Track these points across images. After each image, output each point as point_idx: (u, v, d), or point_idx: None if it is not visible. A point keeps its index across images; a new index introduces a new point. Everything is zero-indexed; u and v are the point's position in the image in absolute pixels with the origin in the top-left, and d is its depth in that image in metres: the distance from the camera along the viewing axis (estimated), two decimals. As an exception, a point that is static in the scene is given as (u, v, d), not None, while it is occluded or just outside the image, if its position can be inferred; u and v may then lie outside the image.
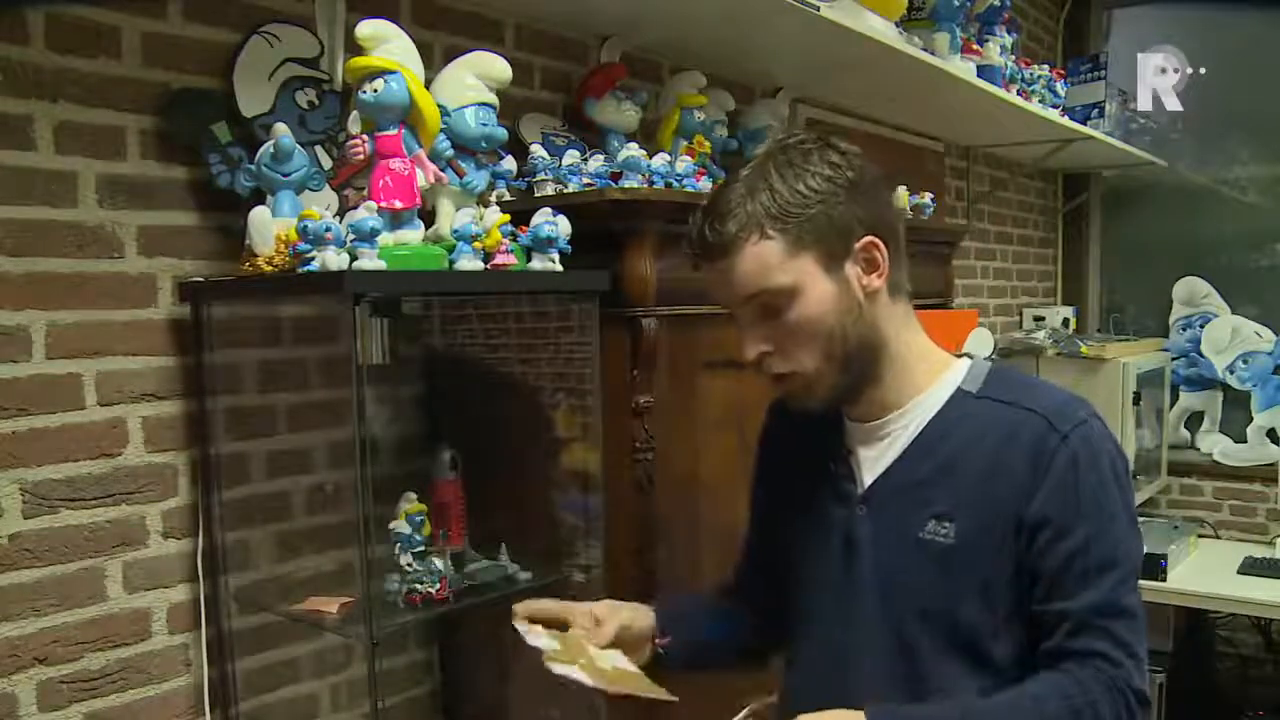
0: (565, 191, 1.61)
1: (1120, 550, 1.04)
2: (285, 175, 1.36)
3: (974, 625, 1.05)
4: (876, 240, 1.06)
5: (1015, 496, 1.03)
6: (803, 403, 1.11)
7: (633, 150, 1.61)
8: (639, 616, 1.21)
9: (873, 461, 1.13)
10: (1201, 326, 3.84)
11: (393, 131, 1.32)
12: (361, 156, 1.33)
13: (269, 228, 1.33)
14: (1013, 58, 2.82)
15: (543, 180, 1.63)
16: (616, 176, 1.62)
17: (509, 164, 1.55)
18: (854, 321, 1.06)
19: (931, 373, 1.12)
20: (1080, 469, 1.03)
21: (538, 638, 1.13)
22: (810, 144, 1.07)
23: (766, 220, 1.03)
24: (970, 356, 1.16)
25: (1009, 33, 2.80)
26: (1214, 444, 3.82)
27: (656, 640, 1.21)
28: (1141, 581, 3.40)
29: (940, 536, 1.05)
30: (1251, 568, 3.14)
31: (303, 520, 1.60)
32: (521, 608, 1.17)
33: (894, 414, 1.12)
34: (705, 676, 1.37)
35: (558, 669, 1.07)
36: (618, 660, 1.13)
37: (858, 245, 1.06)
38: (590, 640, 1.14)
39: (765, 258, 1.03)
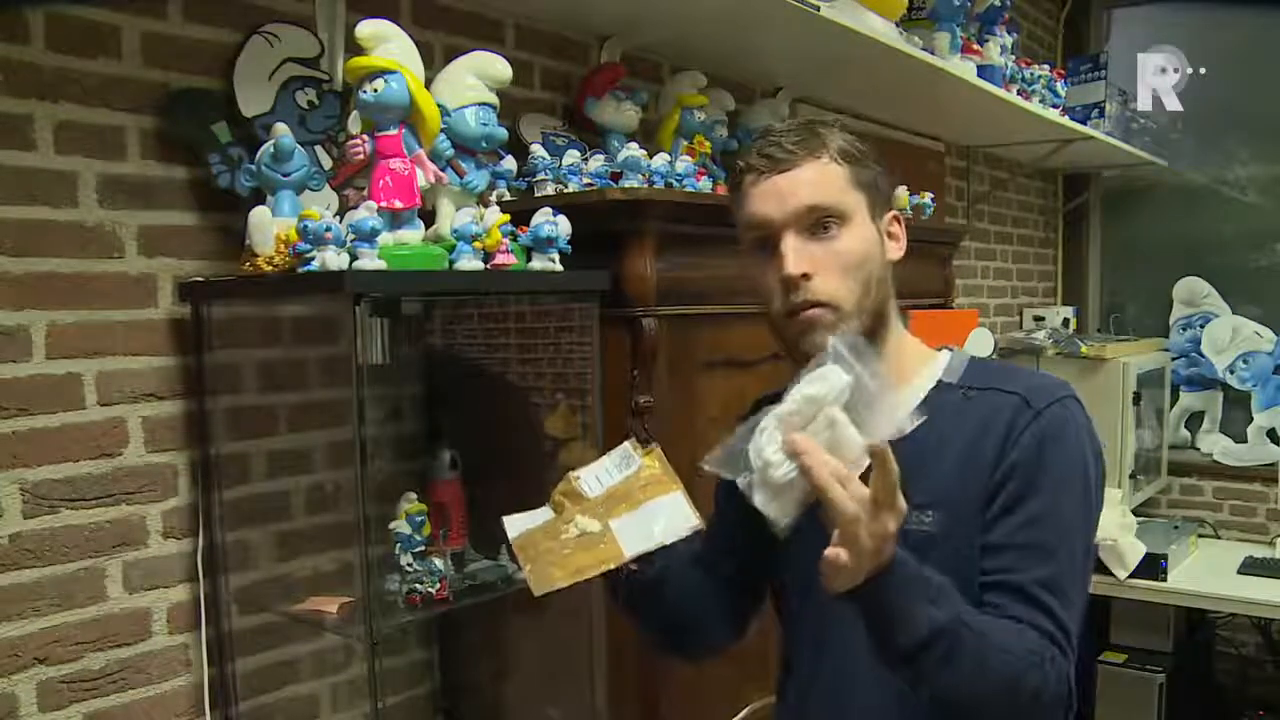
0: (565, 191, 1.61)
1: (1069, 535, 1.03)
2: (285, 175, 1.36)
3: None
4: (900, 218, 1.14)
5: (986, 473, 1.04)
6: (825, 342, 1.07)
7: (633, 150, 1.61)
8: None
9: None
10: (1201, 326, 3.84)
11: (393, 131, 1.32)
12: (361, 156, 1.33)
13: (269, 228, 1.33)
14: (1013, 58, 2.82)
15: (543, 180, 1.63)
16: (616, 176, 1.62)
17: (509, 164, 1.54)
18: (880, 279, 1.09)
19: (915, 365, 1.14)
20: (1044, 445, 1.03)
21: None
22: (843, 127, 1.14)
23: (836, 151, 1.08)
24: (951, 350, 1.16)
25: (1009, 33, 2.79)
26: (1214, 444, 3.82)
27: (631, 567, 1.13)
28: (1142, 581, 3.38)
29: (924, 526, 1.05)
30: (1251, 568, 3.13)
31: (303, 520, 1.60)
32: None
33: None
34: (704, 678, 1.36)
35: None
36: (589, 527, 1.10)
37: (888, 215, 1.12)
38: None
39: (832, 176, 1.07)
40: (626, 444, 1.16)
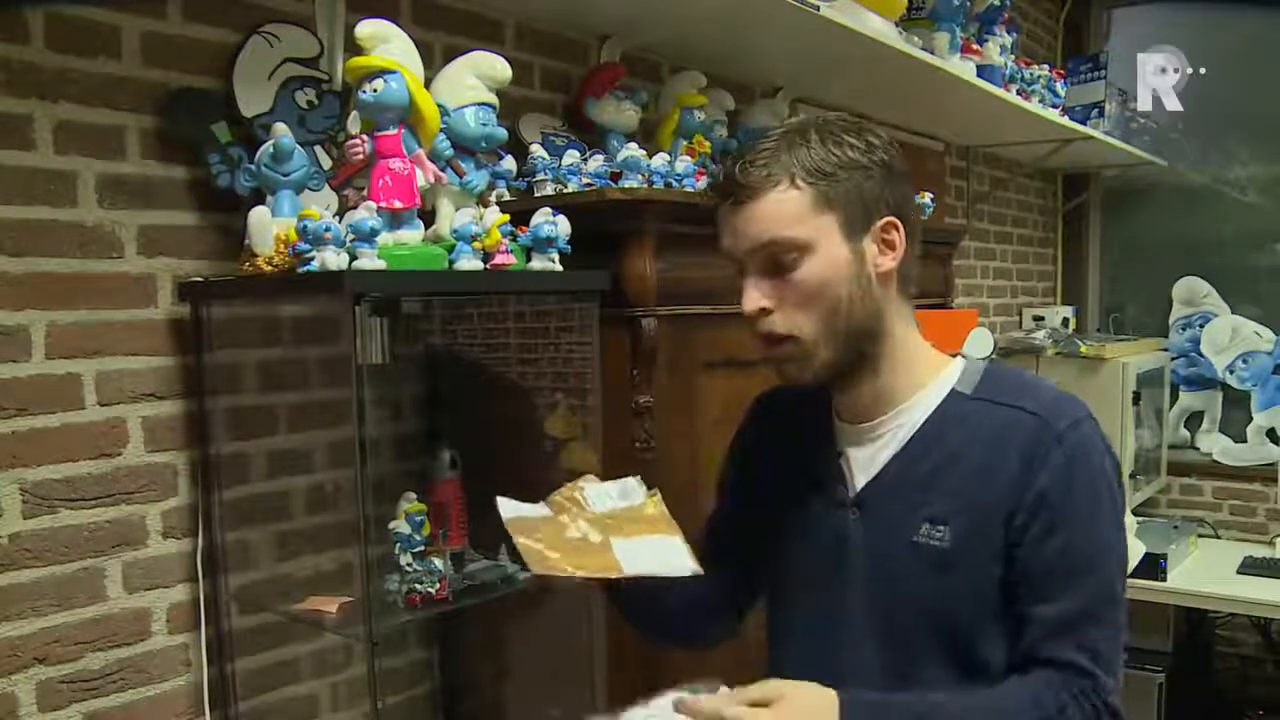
0: (565, 191, 1.61)
1: (1104, 558, 1.03)
2: (285, 175, 1.36)
3: (967, 627, 1.04)
4: (897, 222, 1.08)
5: (1007, 496, 1.03)
6: (794, 374, 1.09)
7: (632, 150, 1.60)
8: None
9: (864, 463, 1.12)
10: (1201, 326, 3.85)
11: (392, 131, 1.32)
12: (361, 156, 1.33)
13: (269, 228, 1.33)
14: (1013, 57, 2.82)
15: (542, 180, 1.63)
16: (616, 176, 1.62)
17: (509, 164, 1.54)
18: (860, 297, 1.06)
19: (927, 373, 1.12)
20: (1073, 471, 1.02)
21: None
22: (851, 122, 1.09)
23: (799, 171, 1.03)
24: (965, 357, 1.15)
25: (1009, 32, 2.79)
26: (1214, 444, 3.83)
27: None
28: (1141, 581, 3.39)
29: (935, 540, 1.05)
30: (1251, 567, 3.13)
31: (303, 520, 1.60)
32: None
33: (887, 415, 1.11)
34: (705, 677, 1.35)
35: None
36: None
37: (879, 223, 1.07)
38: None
39: (789, 206, 1.03)
40: (633, 479, 1.19)
